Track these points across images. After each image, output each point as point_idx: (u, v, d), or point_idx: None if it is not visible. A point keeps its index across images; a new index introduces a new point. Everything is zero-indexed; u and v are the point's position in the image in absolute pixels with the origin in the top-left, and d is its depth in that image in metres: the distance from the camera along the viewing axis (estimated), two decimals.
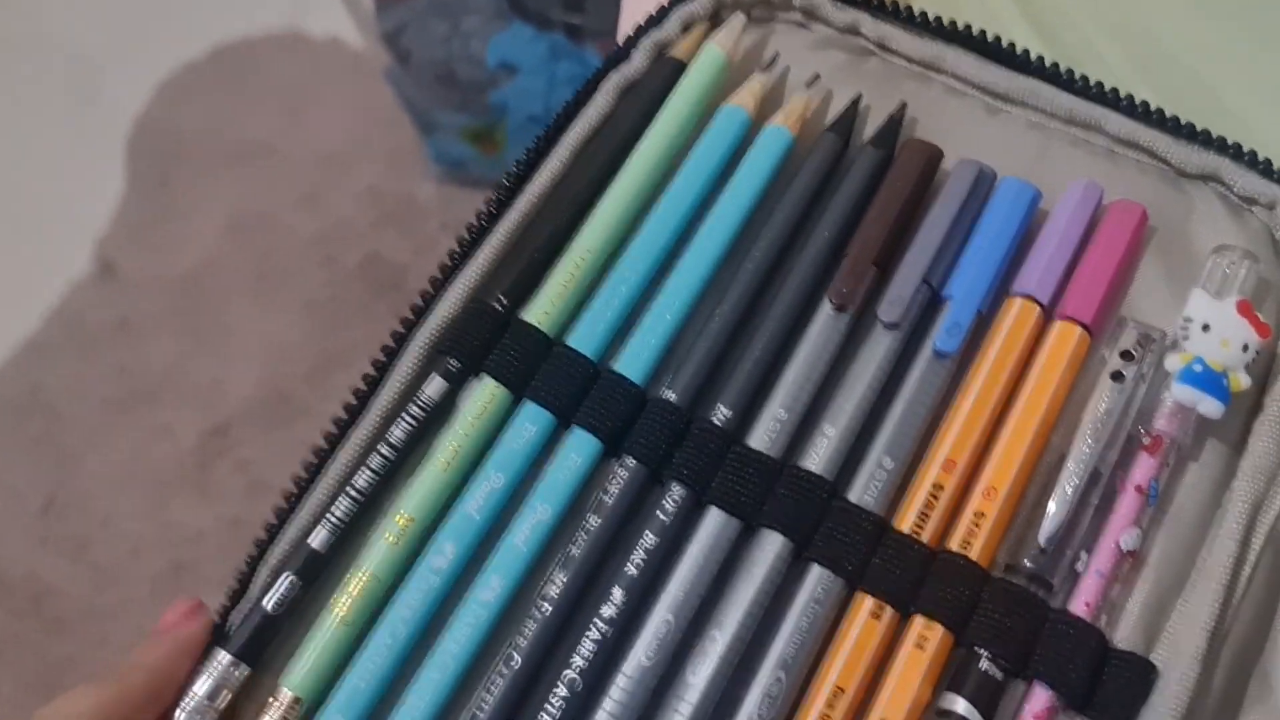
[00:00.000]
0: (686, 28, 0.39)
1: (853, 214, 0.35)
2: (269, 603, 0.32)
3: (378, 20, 0.83)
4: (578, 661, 0.31)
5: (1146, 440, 0.32)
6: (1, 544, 0.82)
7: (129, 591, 0.77)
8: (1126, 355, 0.32)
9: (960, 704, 0.30)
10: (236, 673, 0.31)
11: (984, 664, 0.30)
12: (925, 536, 0.31)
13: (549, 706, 0.30)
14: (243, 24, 0.96)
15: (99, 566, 0.79)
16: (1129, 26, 0.44)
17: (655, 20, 0.39)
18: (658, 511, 0.32)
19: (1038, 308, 0.34)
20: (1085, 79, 0.37)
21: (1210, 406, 0.32)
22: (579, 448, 0.33)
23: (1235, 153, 0.35)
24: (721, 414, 0.33)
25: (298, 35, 0.93)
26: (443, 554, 0.32)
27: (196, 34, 0.98)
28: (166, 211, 0.91)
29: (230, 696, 0.31)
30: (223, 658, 0.31)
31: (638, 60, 0.38)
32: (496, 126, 0.74)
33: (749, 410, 0.33)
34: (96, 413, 0.79)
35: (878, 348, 0.33)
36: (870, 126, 0.37)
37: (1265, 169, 0.35)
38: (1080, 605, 0.31)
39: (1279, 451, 0.32)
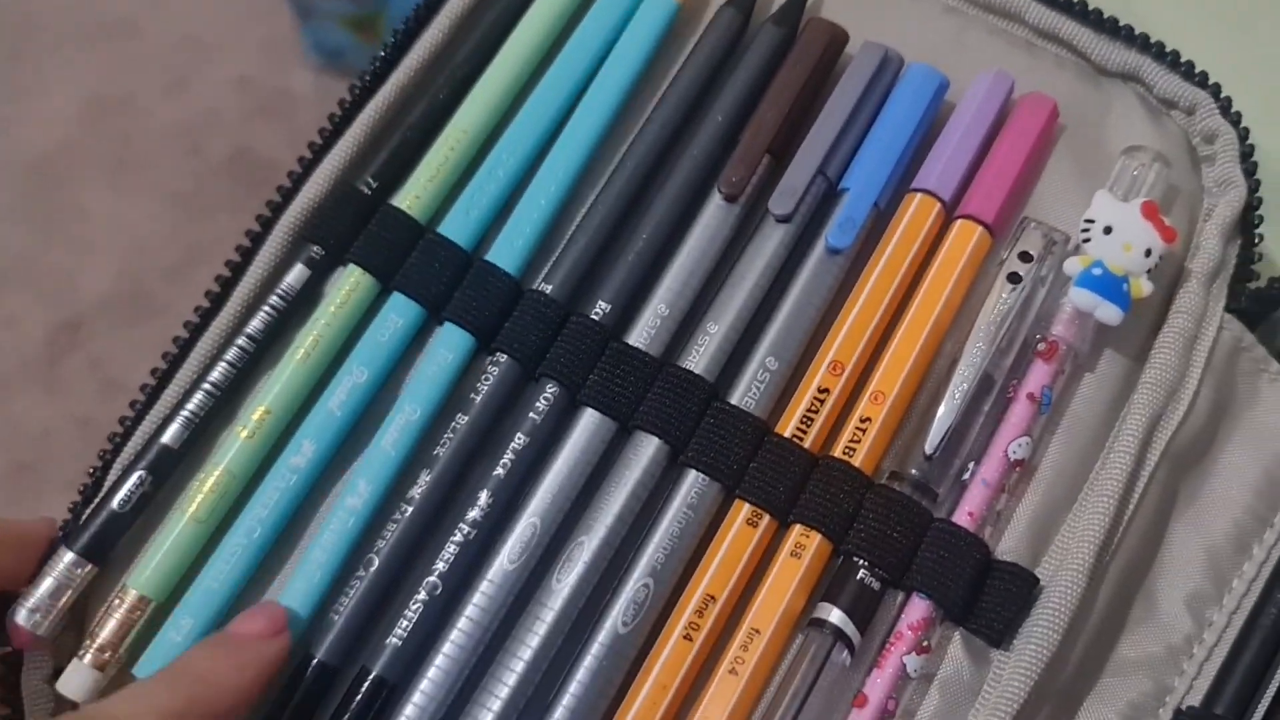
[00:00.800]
0: None
1: (748, 97, 0.33)
2: (117, 500, 0.31)
3: None
4: (439, 565, 0.30)
5: (1042, 346, 0.31)
6: None
7: None
8: (1025, 256, 0.32)
9: (835, 614, 0.29)
10: (81, 571, 0.30)
11: (861, 574, 0.30)
12: (808, 442, 0.31)
13: (408, 611, 0.30)
14: None
15: None
16: None
17: None
18: (530, 411, 0.31)
19: (938, 204, 0.32)
20: None
21: (1108, 312, 0.31)
22: (449, 343, 0.32)
23: (1158, 52, 0.34)
24: (600, 309, 0.32)
25: None
26: (301, 452, 0.31)
27: None
28: (16, 89, 0.86)
29: (73, 595, 0.30)
30: (67, 556, 0.30)
31: None
32: (378, 15, 0.71)
33: (630, 306, 0.32)
34: None
35: (768, 242, 0.32)
36: (776, 4, 0.36)
37: (1187, 71, 0.34)
38: (964, 515, 0.30)
39: (1180, 365, 0.32)
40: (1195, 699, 0.31)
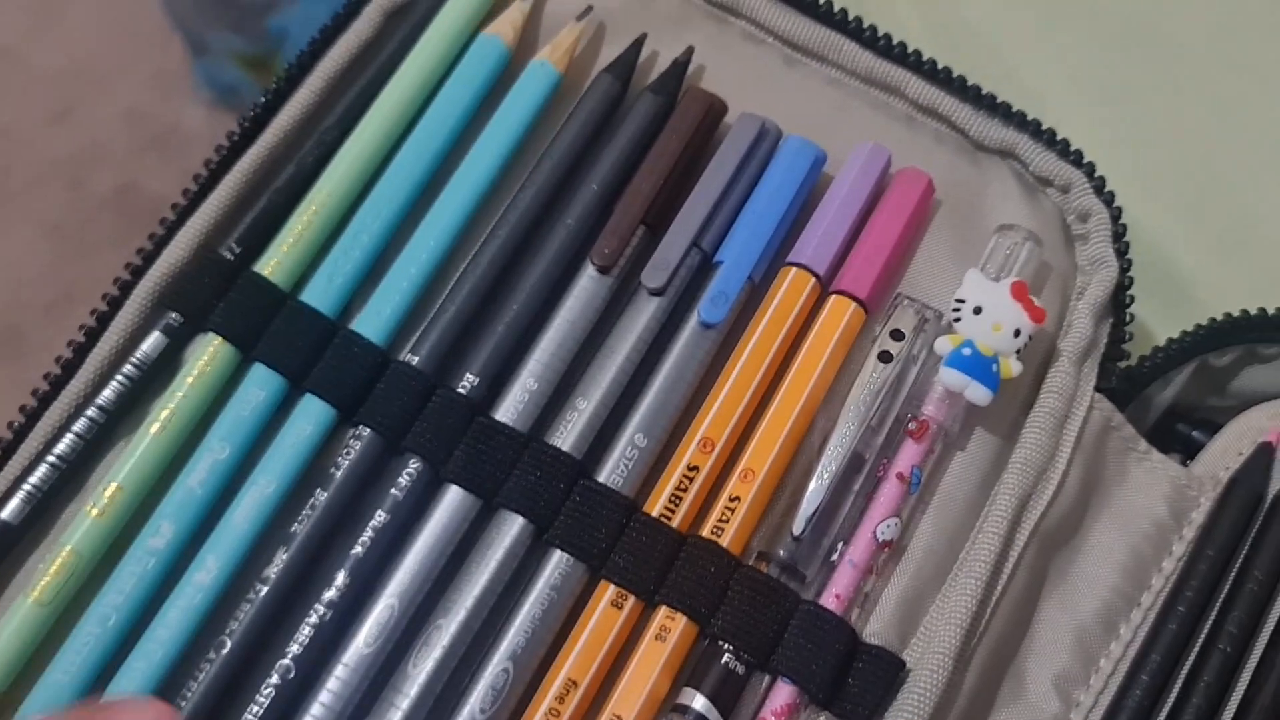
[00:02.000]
0: None
1: (625, 166, 0.34)
2: None
3: None
4: (293, 648, 0.30)
5: (913, 425, 0.32)
6: None
7: None
8: (897, 334, 0.32)
9: (699, 700, 0.30)
10: None
11: (726, 658, 0.30)
12: (676, 521, 0.31)
13: (259, 696, 0.29)
14: None
15: None
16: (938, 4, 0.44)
17: None
18: (391, 488, 0.31)
19: (812, 279, 0.33)
20: (889, 37, 0.36)
21: (978, 393, 0.32)
22: (309, 415, 0.32)
23: (1035, 130, 0.35)
24: (468, 381, 0.32)
25: None
26: (159, 533, 0.31)
27: None
28: None
29: None
30: None
31: None
32: (274, 54, 0.71)
33: (498, 379, 0.32)
34: None
35: (640, 315, 0.32)
36: (658, 72, 0.36)
37: (1063, 150, 0.35)
38: (831, 597, 0.31)
39: (1050, 445, 0.33)
40: None
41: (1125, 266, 0.34)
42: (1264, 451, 0.34)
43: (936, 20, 0.42)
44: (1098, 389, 0.34)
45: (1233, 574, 0.33)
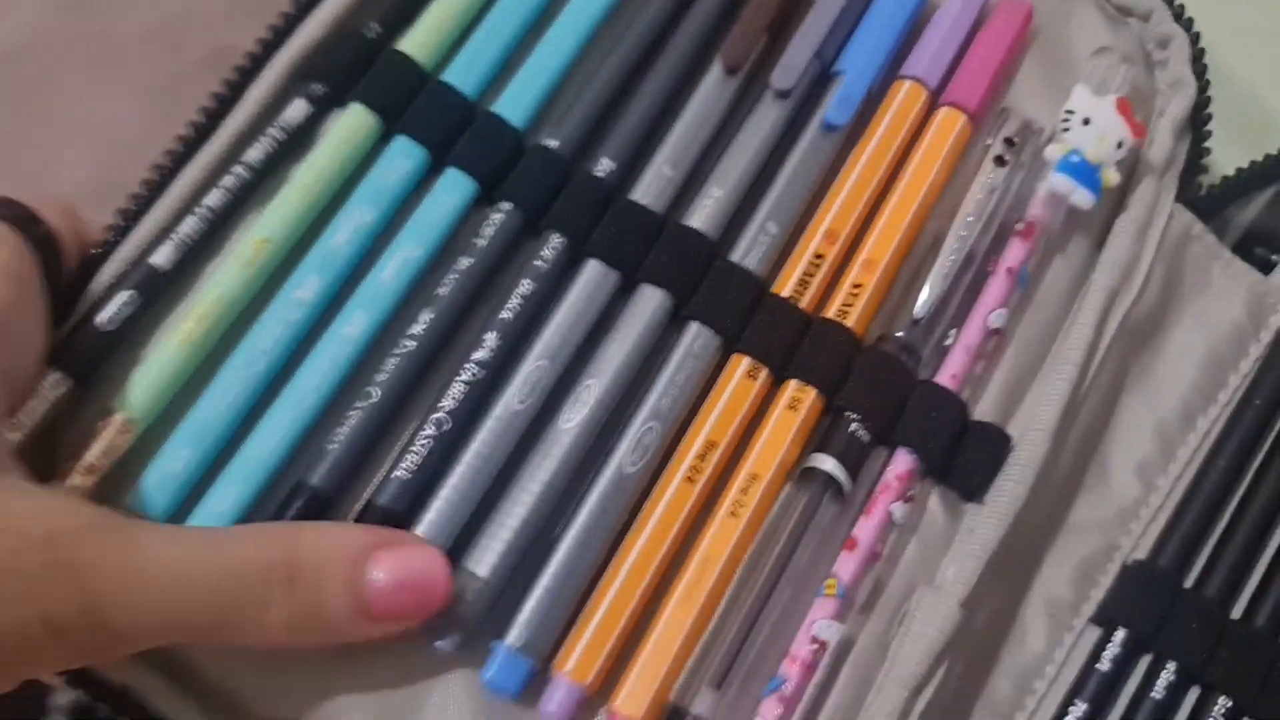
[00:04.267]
0: None
1: None
2: (100, 317, 0.31)
3: None
4: (447, 403, 0.32)
5: (1020, 226, 0.36)
6: None
7: None
8: (1009, 141, 0.36)
9: (829, 463, 0.33)
10: (60, 390, 0.31)
11: (853, 427, 0.33)
12: (804, 303, 0.34)
13: (415, 445, 0.31)
14: None
15: None
16: None
17: None
18: (536, 260, 0.33)
19: (925, 91, 0.36)
20: None
21: (1083, 197, 0.35)
22: (453, 187, 0.34)
23: None
24: (605, 166, 0.35)
25: None
26: (305, 286, 0.32)
27: None
28: None
29: (50, 413, 0.30)
30: (52, 376, 0.31)
31: None
32: None
33: (633, 165, 0.35)
34: None
35: (767, 116, 0.35)
36: None
37: None
38: (947, 377, 0.34)
39: (1135, 249, 0.36)
40: (1140, 554, 0.35)
41: (1203, 87, 0.38)
42: None
43: None
44: (1178, 200, 0.38)
45: None
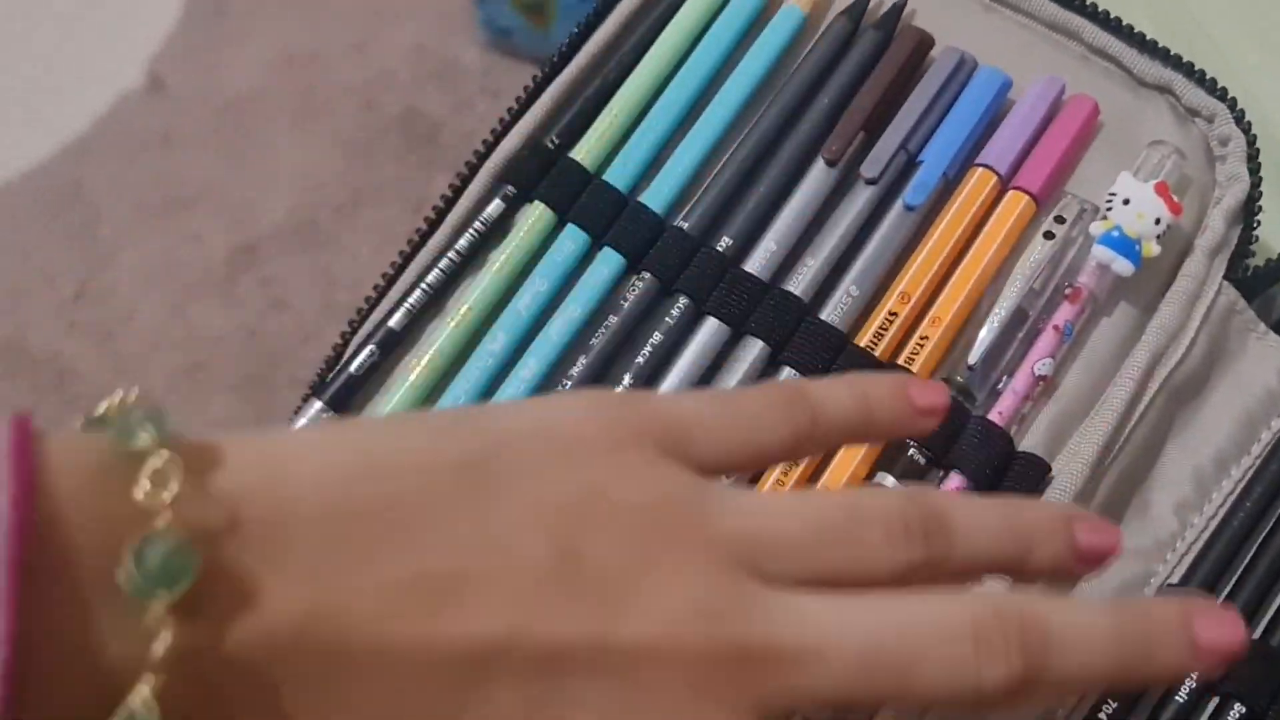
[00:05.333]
0: None
1: (852, 85, 0.46)
2: (353, 366, 0.44)
3: None
4: None
5: (1069, 291, 0.43)
6: (33, 324, 0.96)
7: (146, 382, 0.90)
8: (1059, 219, 0.44)
9: (889, 480, 0.42)
10: (325, 418, 0.44)
11: (912, 452, 0.42)
12: (879, 351, 0.43)
13: None
14: None
15: (121, 355, 0.93)
16: None
17: None
18: (665, 317, 0.44)
19: (995, 177, 0.44)
20: None
21: (1122, 265, 0.43)
22: (607, 262, 0.45)
23: (1188, 70, 0.45)
24: (725, 242, 0.45)
25: None
26: (496, 340, 0.44)
27: None
28: (219, 39, 1.03)
29: None
30: (315, 404, 0.44)
31: None
32: (549, 1, 0.85)
33: (748, 241, 0.45)
34: (133, 214, 0.91)
35: (858, 198, 0.44)
36: (880, 12, 0.48)
37: (1211, 87, 0.45)
38: (996, 414, 0.42)
39: (1182, 316, 0.43)
40: (1175, 579, 0.42)
41: (1256, 182, 0.44)
42: None
43: None
44: (1226, 278, 0.44)
45: None
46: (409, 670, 0.26)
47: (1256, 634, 0.41)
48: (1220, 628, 0.30)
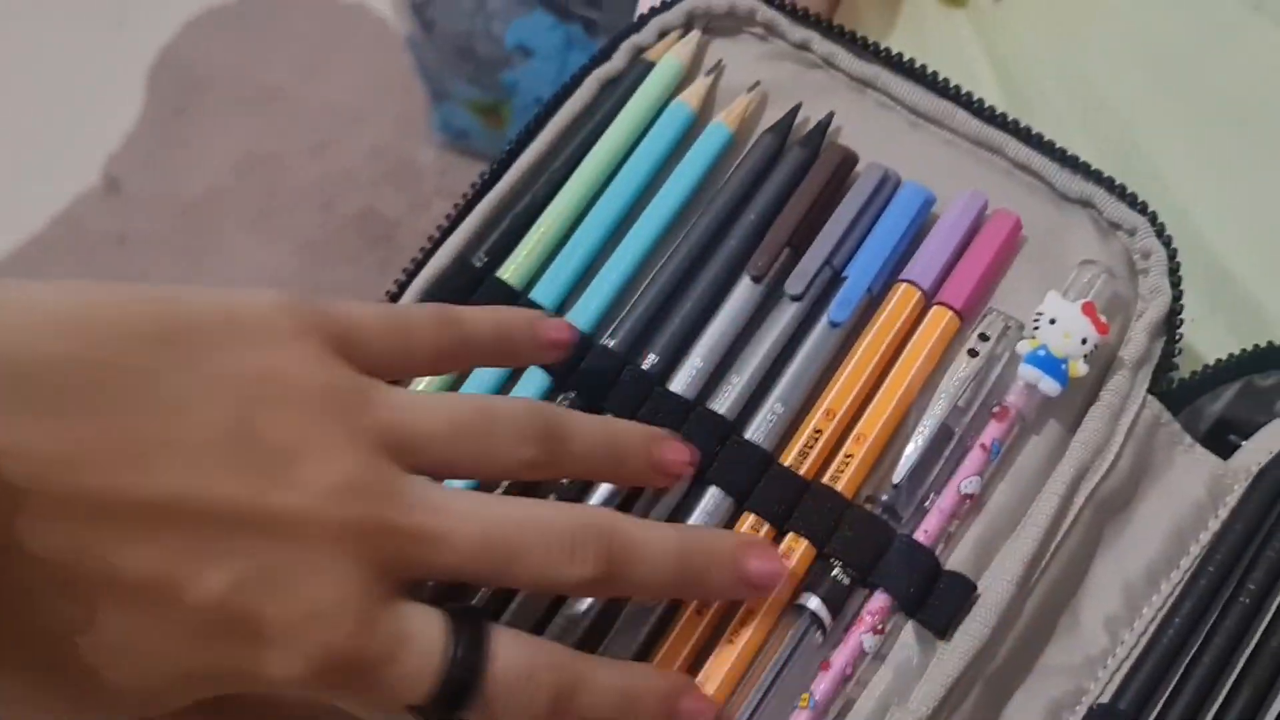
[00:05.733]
0: (662, 34, 0.51)
1: (776, 202, 0.46)
2: None
3: None
4: None
5: (996, 409, 0.44)
6: None
7: None
8: (983, 336, 0.44)
9: (813, 601, 0.41)
10: None
11: (836, 572, 0.42)
12: (803, 470, 0.43)
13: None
14: None
15: None
16: (1079, 80, 0.56)
17: (635, 26, 0.51)
18: None
19: (919, 292, 0.45)
20: (992, 108, 0.48)
21: (1049, 385, 0.43)
22: (532, 382, 0.45)
23: (1109, 184, 0.46)
24: (651, 360, 0.45)
25: None
26: None
27: None
28: (178, 140, 1.04)
29: None
30: None
31: (618, 60, 0.50)
32: (503, 103, 0.86)
33: (674, 359, 0.45)
34: None
35: (784, 315, 0.45)
36: (808, 130, 0.49)
37: (1131, 200, 0.46)
38: (921, 533, 0.42)
39: (1106, 432, 0.43)
40: (1105, 698, 0.42)
41: (1177, 295, 0.45)
42: None
43: (1080, 101, 0.54)
44: (1150, 392, 0.45)
45: (1255, 546, 0.43)
46: (86, 519, 0.30)
47: None
48: (763, 562, 0.40)
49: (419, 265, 0.47)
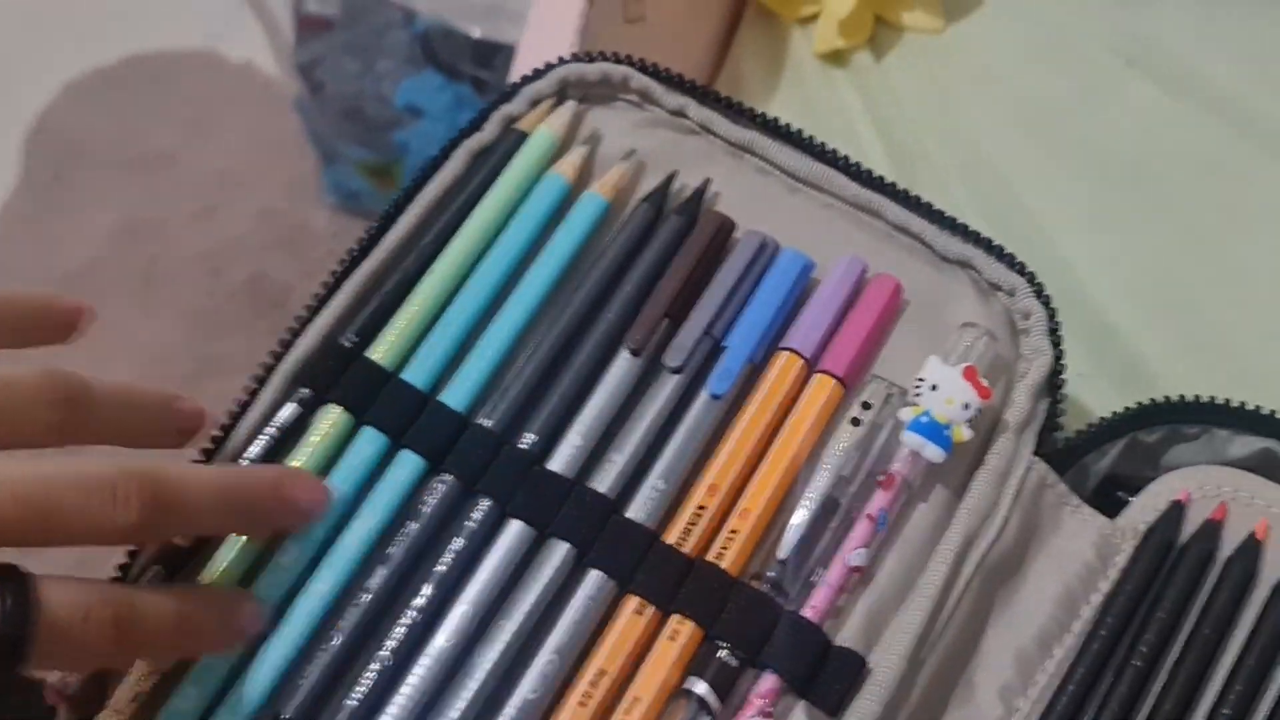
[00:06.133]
0: (534, 103, 0.50)
1: (654, 272, 0.46)
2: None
3: (295, 51, 0.94)
4: (390, 644, 0.41)
5: (882, 478, 0.43)
6: None
7: None
8: (865, 405, 0.43)
9: (700, 686, 0.40)
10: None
11: (723, 654, 0.41)
12: (687, 548, 0.42)
13: (363, 679, 0.41)
14: (160, 38, 1.08)
15: None
16: (960, 138, 0.56)
17: (506, 96, 0.50)
18: (467, 520, 0.43)
19: (801, 360, 0.44)
20: (870, 170, 0.48)
21: (933, 452, 0.42)
22: (405, 465, 0.44)
23: (987, 246, 0.46)
24: (529, 439, 0.44)
25: (213, 55, 1.05)
26: (288, 553, 0.42)
27: (113, 41, 1.10)
28: (55, 208, 1.01)
29: None
30: None
31: (489, 130, 0.50)
32: (394, 164, 0.85)
33: (553, 437, 0.44)
34: None
35: (664, 389, 0.44)
36: (685, 197, 0.48)
37: (1010, 261, 0.45)
38: (809, 610, 0.41)
39: (993, 496, 0.43)
40: None
41: (1058, 355, 0.45)
42: (1176, 507, 0.44)
43: (963, 161, 0.55)
44: (1036, 454, 0.44)
45: (1146, 606, 0.43)
46: None
47: None
48: (304, 490, 0.42)
49: (286, 344, 0.46)
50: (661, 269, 0.46)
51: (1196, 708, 0.41)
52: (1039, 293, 0.45)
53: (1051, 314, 0.45)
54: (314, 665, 0.41)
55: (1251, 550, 0.43)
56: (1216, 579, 0.43)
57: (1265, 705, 0.41)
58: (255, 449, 0.44)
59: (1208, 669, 0.42)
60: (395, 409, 0.44)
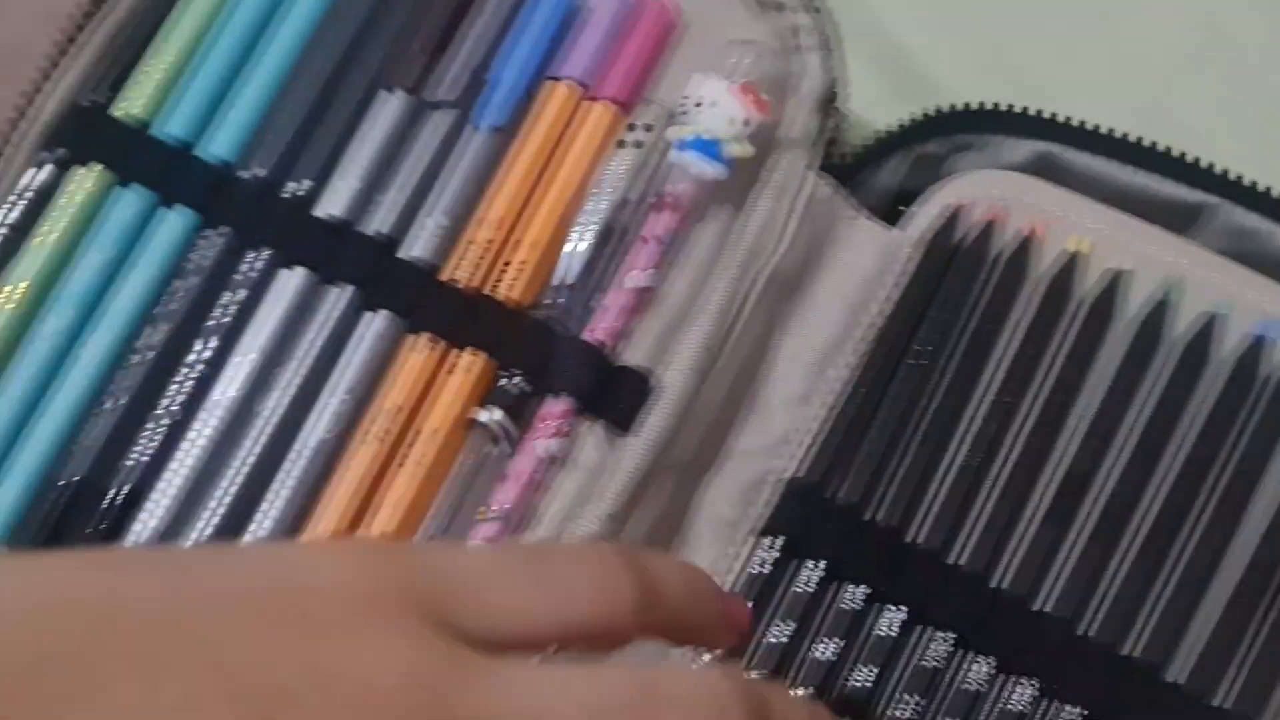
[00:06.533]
0: None
1: (415, 7, 0.44)
2: None
3: None
4: (174, 399, 0.40)
5: (655, 200, 0.43)
6: None
7: None
8: (641, 126, 0.44)
9: (495, 413, 0.41)
10: None
11: (516, 380, 0.41)
12: (473, 282, 0.42)
13: (146, 436, 0.40)
14: None
15: None
16: None
17: None
18: (243, 272, 0.42)
19: (575, 88, 0.44)
20: None
21: (708, 168, 0.43)
22: (173, 221, 0.42)
23: None
24: (302, 185, 0.43)
25: None
26: (60, 317, 0.41)
27: None
28: None
29: None
30: None
31: None
32: None
33: (322, 182, 0.43)
34: None
35: (433, 125, 0.43)
36: None
37: None
38: (598, 332, 0.42)
39: (772, 210, 0.43)
40: (801, 473, 0.43)
41: (835, 68, 0.45)
42: (952, 214, 0.45)
43: None
44: (822, 168, 0.45)
45: (925, 308, 0.44)
46: None
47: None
48: None
49: (22, 111, 0.43)
50: (423, 4, 0.45)
51: (971, 397, 0.43)
52: (809, 5, 0.45)
53: (821, 26, 0.45)
54: (93, 428, 0.40)
55: (1025, 249, 0.45)
56: (995, 278, 0.44)
57: (1039, 389, 0.43)
58: (15, 213, 0.42)
59: (983, 364, 0.43)
60: (155, 163, 0.43)
